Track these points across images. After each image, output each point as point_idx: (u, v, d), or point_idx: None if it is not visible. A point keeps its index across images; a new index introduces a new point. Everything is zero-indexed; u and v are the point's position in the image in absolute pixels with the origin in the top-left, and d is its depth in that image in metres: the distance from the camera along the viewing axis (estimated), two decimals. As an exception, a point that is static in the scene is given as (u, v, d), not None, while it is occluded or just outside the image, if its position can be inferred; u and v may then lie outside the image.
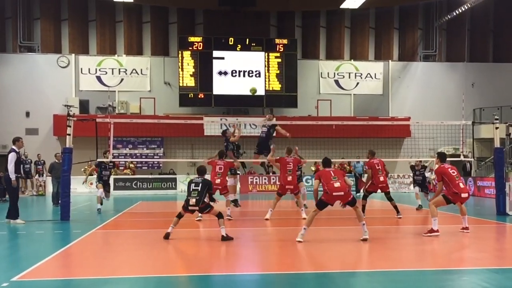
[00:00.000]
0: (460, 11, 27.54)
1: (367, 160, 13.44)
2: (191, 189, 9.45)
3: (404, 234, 10.77)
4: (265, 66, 27.61)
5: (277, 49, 27.62)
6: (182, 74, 27.09)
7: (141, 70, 28.15)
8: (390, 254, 8.35)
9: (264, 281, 6.63)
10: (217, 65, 27.35)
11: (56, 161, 17.34)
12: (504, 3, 29.20)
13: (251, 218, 14.11)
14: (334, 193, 9.08)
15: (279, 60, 27.65)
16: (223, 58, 27.38)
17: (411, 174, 16.40)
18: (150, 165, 27.17)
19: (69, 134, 13.20)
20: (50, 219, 13.63)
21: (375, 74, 29.44)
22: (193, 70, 27.12)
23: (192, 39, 27.38)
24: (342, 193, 9.10)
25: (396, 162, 26.68)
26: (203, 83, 27.09)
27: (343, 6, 25.96)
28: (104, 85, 27.65)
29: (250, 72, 27.58)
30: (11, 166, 11.99)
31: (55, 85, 27.14)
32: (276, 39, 27.98)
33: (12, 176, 11.99)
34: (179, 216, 9.62)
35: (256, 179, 25.35)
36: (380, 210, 14.52)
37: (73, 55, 27.66)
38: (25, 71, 27.06)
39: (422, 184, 15.66)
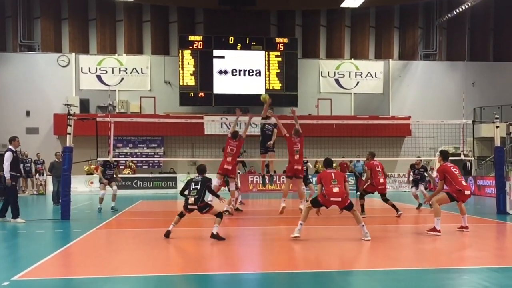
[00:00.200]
0: (461, 10, 27.54)
1: (367, 161, 13.40)
2: (191, 188, 9.41)
3: (404, 233, 10.76)
4: (265, 65, 27.62)
5: (277, 48, 27.63)
6: (183, 73, 27.10)
7: (141, 69, 28.15)
8: (390, 253, 8.35)
9: (264, 280, 6.63)
10: (217, 64, 27.36)
11: (56, 160, 17.35)
12: (505, 1, 29.19)
13: (252, 217, 14.11)
14: (331, 198, 9.10)
15: (279, 59, 27.66)
16: (223, 57, 27.38)
17: (410, 173, 16.19)
18: (151, 164, 27.18)
19: (69, 133, 13.20)
20: (51, 218, 13.63)
21: (375, 73, 29.44)
22: (193, 69, 27.13)
23: (192, 38, 27.38)
24: (340, 199, 9.11)
25: (396, 161, 26.67)
26: (204, 82, 27.10)
27: (343, 5, 25.94)
28: (105, 84, 27.65)
29: (251, 71, 27.59)
30: (6, 165, 12.08)
31: (55, 84, 27.15)
32: (276, 38, 28.00)
33: (7, 174, 12.06)
34: (181, 215, 9.59)
35: (256, 178, 25.34)
36: (380, 209, 14.51)
37: (73, 54, 27.67)
38: (25, 70, 27.07)
39: (419, 181, 15.52)
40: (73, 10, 28.11)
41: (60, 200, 14.08)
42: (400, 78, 29.60)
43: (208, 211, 9.41)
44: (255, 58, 27.56)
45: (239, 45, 27.45)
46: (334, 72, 29.25)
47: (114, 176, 15.66)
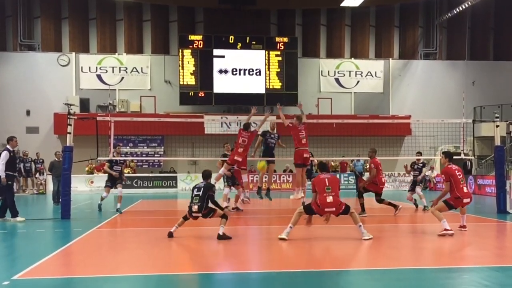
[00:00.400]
0: (461, 9, 27.53)
1: (370, 158, 13.15)
2: (193, 195, 9.32)
3: (404, 233, 10.76)
4: (266, 64, 27.60)
5: (278, 47, 27.61)
6: (183, 72, 27.09)
7: (142, 68, 28.14)
8: (390, 252, 8.35)
9: (264, 279, 6.63)
10: (217, 64, 27.35)
11: (56, 159, 17.34)
12: (505, 1, 29.16)
13: (251, 216, 14.10)
14: (325, 208, 9.05)
15: (280, 58, 27.64)
16: (223, 56, 27.37)
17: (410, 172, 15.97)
18: (151, 163, 27.18)
19: (69, 133, 13.21)
20: (51, 218, 13.65)
21: (375, 72, 29.43)
22: (194, 68, 27.12)
23: (192, 37, 27.36)
24: (334, 208, 9.04)
25: (396, 160, 26.65)
26: (204, 82, 27.08)
27: (343, 4, 25.92)
28: (105, 83, 27.63)
29: (251, 70, 27.58)
30: (2, 164, 12.11)
31: (55, 83, 27.13)
32: (276, 37, 27.98)
33: (2, 173, 12.10)
34: (186, 218, 9.50)
35: (257, 177, 25.30)
36: (380, 208, 14.48)
37: (74, 53, 27.65)
38: (26, 70, 27.06)
39: (416, 183, 15.26)
40: (73, 10, 28.10)
41: (60, 200, 14.07)
42: (400, 77, 29.58)
43: (213, 215, 9.34)
44: (255, 58, 27.54)
45: (239, 44, 27.44)
46: (334, 71, 29.23)
47: (122, 172, 15.26)
